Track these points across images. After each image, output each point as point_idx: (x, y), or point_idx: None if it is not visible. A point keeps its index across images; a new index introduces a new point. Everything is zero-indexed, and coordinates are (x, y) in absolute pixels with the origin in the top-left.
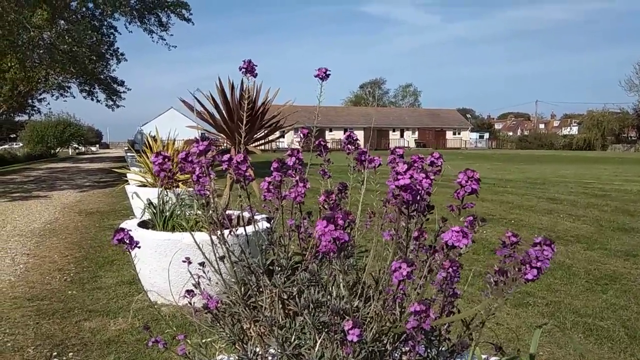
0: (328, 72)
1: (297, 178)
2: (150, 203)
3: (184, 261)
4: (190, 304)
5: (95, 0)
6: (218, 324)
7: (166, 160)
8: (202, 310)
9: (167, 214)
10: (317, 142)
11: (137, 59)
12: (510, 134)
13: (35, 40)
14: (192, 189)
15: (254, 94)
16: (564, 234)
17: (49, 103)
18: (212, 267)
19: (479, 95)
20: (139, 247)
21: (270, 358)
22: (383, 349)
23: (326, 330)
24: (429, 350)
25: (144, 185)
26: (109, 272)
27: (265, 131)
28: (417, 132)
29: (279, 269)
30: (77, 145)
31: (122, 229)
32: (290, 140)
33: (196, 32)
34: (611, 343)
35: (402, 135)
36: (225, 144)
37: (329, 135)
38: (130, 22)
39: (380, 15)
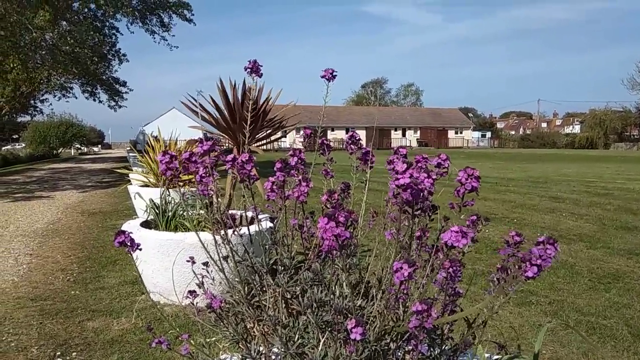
0: (335, 73)
1: (300, 177)
2: (152, 203)
3: (187, 261)
4: (193, 304)
5: (97, 1)
6: (222, 323)
7: (173, 159)
8: (205, 309)
9: (170, 214)
10: (320, 141)
11: (139, 60)
12: (513, 132)
13: (38, 42)
14: (195, 188)
15: (257, 94)
16: (567, 233)
17: (51, 104)
18: (215, 267)
19: (481, 94)
20: (140, 249)
21: (273, 357)
22: (386, 347)
23: (329, 329)
24: (431, 349)
25: (147, 186)
26: (111, 272)
27: (268, 131)
28: (419, 132)
29: (282, 268)
30: (79, 146)
31: (123, 232)
32: (292, 140)
33: (198, 32)
34: (614, 341)
35: (404, 135)
36: (227, 144)
37: (330, 135)
38: (132, 23)
39: (381, 15)
